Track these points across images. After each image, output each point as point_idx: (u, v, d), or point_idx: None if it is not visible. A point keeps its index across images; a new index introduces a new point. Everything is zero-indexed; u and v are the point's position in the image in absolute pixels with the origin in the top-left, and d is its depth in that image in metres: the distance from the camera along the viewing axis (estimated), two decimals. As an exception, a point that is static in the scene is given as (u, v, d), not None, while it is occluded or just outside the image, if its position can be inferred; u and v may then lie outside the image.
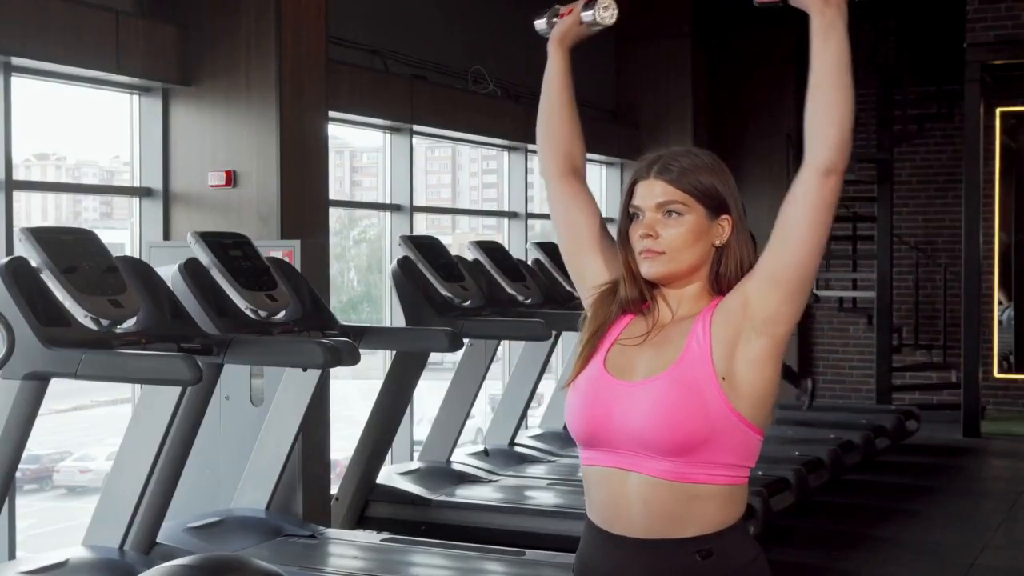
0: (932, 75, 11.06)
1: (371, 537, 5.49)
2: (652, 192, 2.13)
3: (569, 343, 7.63)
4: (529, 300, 6.86)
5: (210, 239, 4.97)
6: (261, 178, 5.99)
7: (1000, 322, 10.91)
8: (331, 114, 6.47)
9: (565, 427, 2.20)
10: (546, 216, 9.95)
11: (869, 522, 7.03)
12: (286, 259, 5.49)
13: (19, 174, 5.52)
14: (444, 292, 6.27)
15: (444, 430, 6.89)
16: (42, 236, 4.18)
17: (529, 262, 7.57)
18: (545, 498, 6.49)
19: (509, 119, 8.71)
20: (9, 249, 5.08)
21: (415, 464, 6.84)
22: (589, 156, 11.08)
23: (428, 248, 6.44)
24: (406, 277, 6.30)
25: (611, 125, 10.36)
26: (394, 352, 6.29)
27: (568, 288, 7.41)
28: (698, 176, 2.12)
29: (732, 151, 11.08)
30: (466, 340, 6.30)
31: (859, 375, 11.48)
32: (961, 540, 6.70)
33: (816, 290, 11.26)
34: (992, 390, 10.80)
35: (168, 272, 4.78)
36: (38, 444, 6.36)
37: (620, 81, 10.74)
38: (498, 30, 8.90)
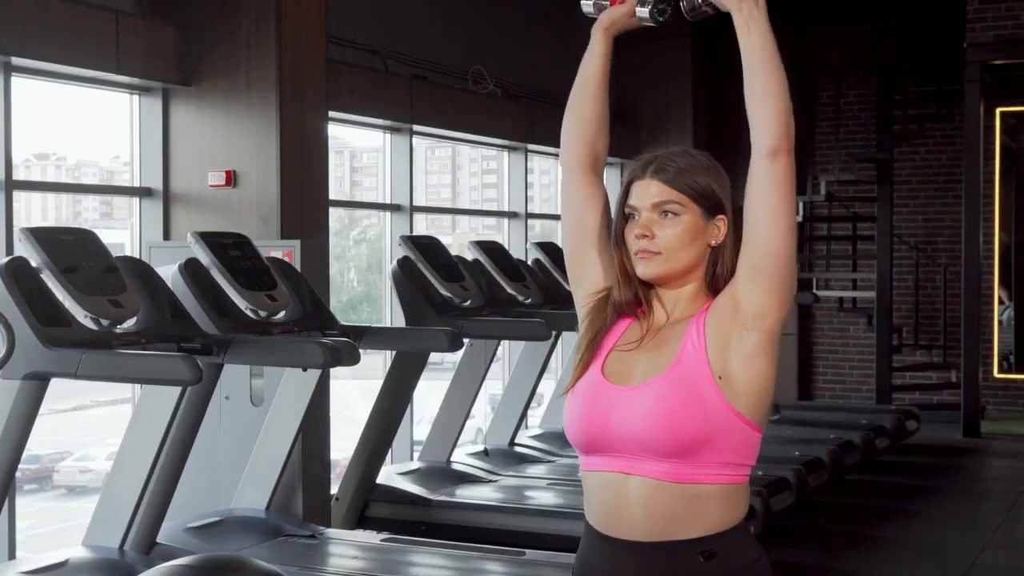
0: (932, 75, 11.06)
1: (371, 537, 5.49)
2: (648, 192, 2.13)
3: (569, 343, 7.63)
4: (529, 300, 6.86)
5: (210, 239, 4.97)
6: (261, 178, 5.99)
7: (1000, 322, 10.91)
8: (331, 114, 6.47)
9: (564, 427, 2.20)
10: (546, 216, 9.96)
11: (869, 522, 7.03)
12: (286, 259, 5.48)
13: (19, 174, 5.52)
14: (444, 292, 6.27)
15: (444, 430, 6.89)
16: (42, 236, 4.18)
17: (529, 262, 7.57)
18: (545, 498, 6.49)
19: (509, 119, 8.71)
20: (9, 249, 5.08)
21: (415, 464, 6.84)
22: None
23: (428, 248, 6.44)
24: (406, 277, 6.30)
25: (611, 125, 10.33)
26: (394, 352, 6.29)
27: (568, 288, 7.40)
28: (694, 176, 2.13)
29: (732, 151, 10.99)
30: (466, 340, 6.30)
31: (859, 375, 11.48)
32: (961, 540, 6.70)
33: (816, 290, 11.27)
34: (992, 390, 10.80)
35: (168, 272, 4.78)
36: (38, 444, 6.36)
37: (620, 81, 10.72)
38: (498, 30, 8.90)
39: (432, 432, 6.98)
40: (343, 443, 6.66)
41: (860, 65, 11.47)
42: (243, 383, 5.64)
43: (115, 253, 4.45)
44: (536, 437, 7.79)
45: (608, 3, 2.31)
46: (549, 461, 7.31)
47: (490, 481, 6.72)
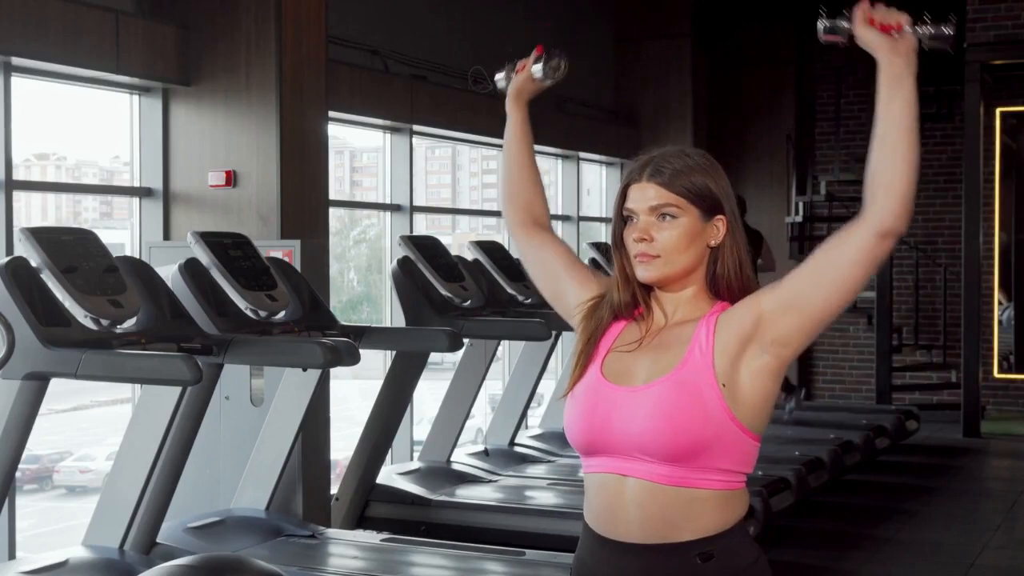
0: (932, 75, 11.05)
1: (371, 537, 5.48)
2: (645, 195, 2.13)
3: (569, 343, 7.62)
4: (529, 300, 6.86)
5: (210, 239, 4.97)
6: (261, 178, 5.99)
7: (1000, 322, 10.91)
8: (331, 114, 6.47)
9: (564, 430, 2.20)
10: (546, 216, 9.94)
11: (869, 522, 7.03)
12: (286, 259, 5.49)
13: (19, 174, 5.52)
14: (444, 292, 6.27)
15: (444, 430, 6.89)
16: (42, 236, 4.18)
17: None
18: (545, 498, 6.49)
19: (509, 119, 8.70)
20: (9, 249, 5.08)
21: (415, 464, 6.84)
22: (589, 156, 11.06)
23: (428, 248, 6.43)
24: (406, 277, 6.30)
25: (611, 125, 10.36)
26: (394, 352, 6.29)
27: (511, 291, 7.37)
28: (690, 177, 2.12)
29: (732, 151, 11.09)
30: (466, 340, 6.30)
31: (859, 375, 11.48)
32: (961, 540, 6.70)
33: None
34: (992, 390, 10.80)
35: (168, 272, 4.78)
36: (38, 444, 6.36)
37: (620, 81, 10.74)
38: (498, 30, 8.89)
39: (432, 432, 6.97)
40: (343, 443, 6.66)
41: (860, 65, 11.46)
42: (243, 383, 5.64)
43: (115, 253, 4.45)
44: (536, 437, 7.79)
45: (516, 71, 2.43)
46: (549, 461, 7.31)
47: (490, 481, 6.72)
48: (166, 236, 6.12)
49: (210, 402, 4.78)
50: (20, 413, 4.11)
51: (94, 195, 6.91)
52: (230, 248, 4.99)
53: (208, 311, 4.74)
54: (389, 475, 6.44)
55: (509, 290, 6.82)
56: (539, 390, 7.78)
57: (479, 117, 8.36)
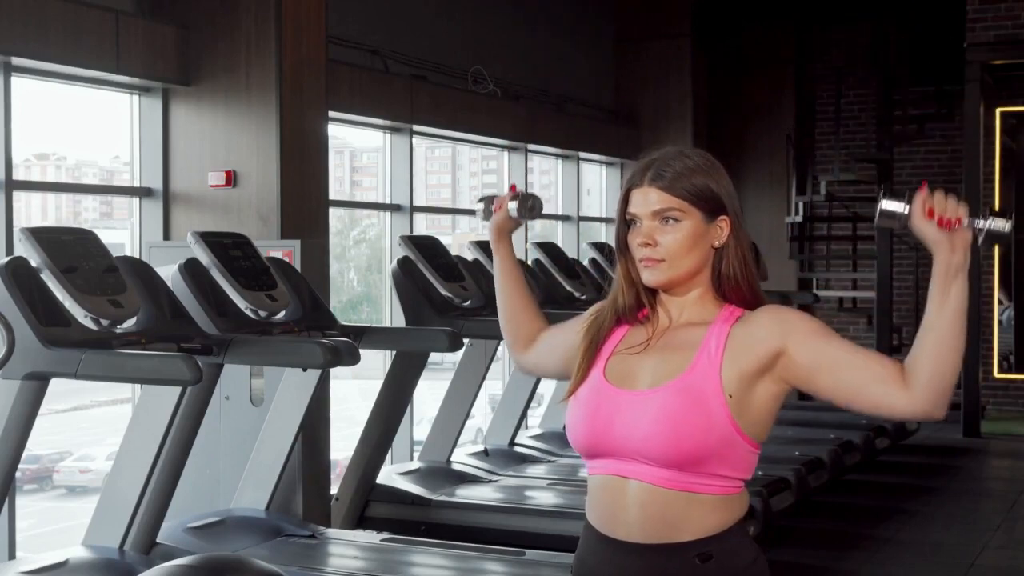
0: (932, 75, 11.06)
1: (371, 537, 5.48)
2: (647, 200, 2.12)
3: (569, 343, 7.62)
4: (529, 300, 6.85)
5: (210, 239, 4.97)
6: (261, 178, 5.99)
7: (1000, 322, 10.91)
8: (331, 114, 6.48)
9: (565, 427, 2.20)
10: (546, 216, 9.96)
11: (869, 522, 7.03)
12: (286, 259, 5.48)
13: (19, 174, 5.52)
14: (444, 292, 6.27)
15: (444, 430, 6.89)
16: (42, 236, 4.18)
17: (529, 262, 7.58)
18: (545, 498, 6.49)
19: (509, 119, 8.71)
20: (9, 249, 5.09)
21: (415, 464, 6.84)
22: (589, 156, 11.03)
23: (428, 248, 6.44)
24: (406, 277, 6.30)
25: (611, 125, 10.36)
26: (394, 352, 6.29)
27: (568, 288, 7.42)
28: (691, 180, 2.11)
29: (732, 151, 11.08)
30: (466, 340, 6.29)
31: (859, 375, 11.45)
32: (961, 540, 6.69)
33: (816, 290, 11.27)
34: (992, 390, 10.80)
35: (168, 272, 4.78)
36: (38, 444, 6.36)
37: (620, 81, 10.74)
38: (498, 30, 8.90)
39: (432, 432, 6.97)
40: (343, 443, 6.66)
41: (860, 65, 11.47)
42: (243, 383, 5.64)
43: (115, 253, 4.45)
44: (536, 437, 7.79)
45: (494, 210, 2.51)
46: (549, 461, 7.31)
47: (490, 481, 6.72)
48: (166, 236, 6.12)
49: (210, 402, 4.78)
50: (20, 413, 4.11)
51: (94, 195, 6.91)
52: (230, 248, 4.99)
53: (208, 311, 4.74)
54: (389, 475, 6.44)
55: (509, 290, 6.81)
56: (539, 390, 7.78)
57: (479, 117, 8.36)
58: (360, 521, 6.18)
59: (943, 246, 1.93)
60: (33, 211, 6.22)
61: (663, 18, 10.59)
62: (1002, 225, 1.93)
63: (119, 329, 4.22)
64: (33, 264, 4.12)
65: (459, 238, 8.87)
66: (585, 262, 8.15)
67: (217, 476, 5.62)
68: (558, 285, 7.36)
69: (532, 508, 6.25)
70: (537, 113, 9.03)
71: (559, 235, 9.82)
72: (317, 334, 5.10)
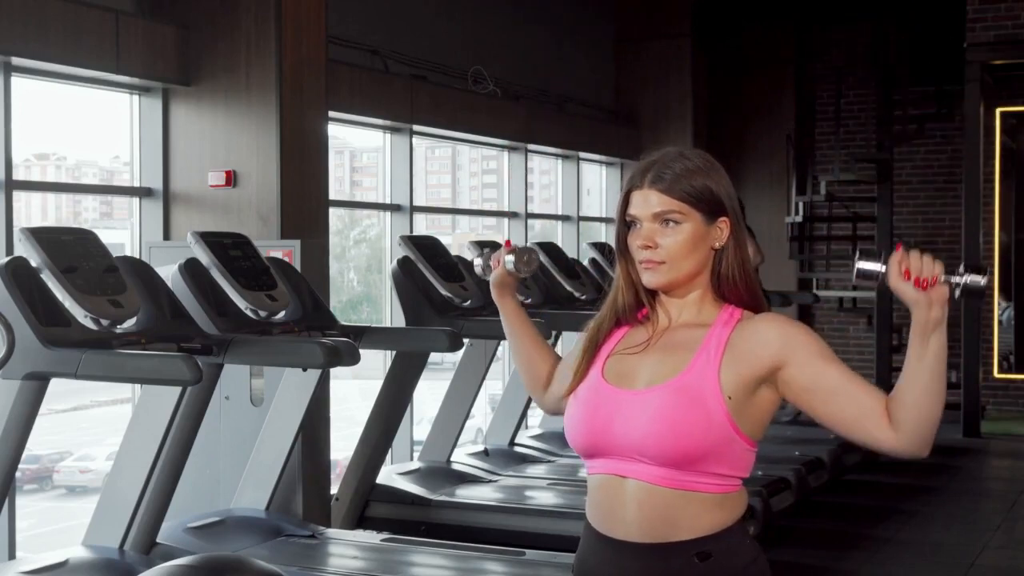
0: (932, 75, 11.05)
1: (371, 537, 5.48)
2: (648, 202, 2.12)
3: (569, 343, 7.63)
4: (529, 300, 6.86)
5: (210, 239, 4.97)
6: (261, 178, 5.99)
7: (1000, 322, 10.91)
8: (331, 114, 6.47)
9: (565, 432, 2.21)
10: (546, 216, 9.96)
11: (869, 522, 7.03)
12: (286, 259, 5.48)
13: (19, 174, 5.52)
14: (444, 292, 6.27)
15: (444, 430, 6.89)
16: (42, 236, 4.18)
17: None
18: (545, 498, 6.49)
19: (509, 119, 8.71)
20: (9, 249, 5.08)
21: (415, 464, 6.84)
22: (589, 156, 11.04)
23: (428, 248, 6.44)
24: (406, 277, 6.30)
25: (611, 125, 10.36)
26: (394, 352, 6.29)
27: (568, 288, 7.42)
28: (691, 181, 2.11)
29: (732, 151, 11.09)
30: (466, 340, 6.30)
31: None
32: (961, 540, 6.70)
33: (816, 290, 11.27)
34: (992, 390, 10.80)
35: (168, 272, 4.78)
36: (38, 444, 6.36)
37: (620, 81, 10.74)
38: (498, 30, 8.90)
39: (432, 432, 6.98)
40: (343, 443, 6.66)
41: (860, 65, 11.47)
42: (243, 383, 5.64)
43: (115, 253, 4.45)
44: (536, 437, 7.79)
45: (493, 266, 2.54)
46: (549, 461, 7.31)
47: (490, 481, 6.72)
48: (166, 236, 6.12)
49: (210, 402, 4.78)
50: (20, 413, 4.11)
51: (94, 195, 6.91)
52: (230, 248, 4.99)
53: (208, 311, 4.74)
54: (389, 475, 6.44)
55: (509, 290, 6.81)
56: (539, 390, 7.76)
57: (479, 117, 8.36)
58: (360, 521, 6.18)
59: (921, 305, 1.97)
60: (33, 211, 6.22)
61: (663, 18, 10.59)
62: (978, 280, 1.97)
63: (119, 329, 4.22)
64: (33, 264, 4.12)
65: (459, 238, 8.87)
66: (585, 262, 8.15)
67: (217, 476, 5.62)
68: (558, 285, 7.36)
69: (532, 508, 6.25)
70: (537, 113, 9.03)
71: (559, 235, 9.82)
72: (317, 334, 5.10)
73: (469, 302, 6.36)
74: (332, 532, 5.53)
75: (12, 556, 5.02)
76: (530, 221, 9.37)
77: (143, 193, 6.17)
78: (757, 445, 2.10)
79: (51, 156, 6.54)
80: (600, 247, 8.33)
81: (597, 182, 10.70)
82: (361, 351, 4.85)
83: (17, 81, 5.36)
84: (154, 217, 6.15)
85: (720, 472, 2.05)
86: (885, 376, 10.83)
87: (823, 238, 11.68)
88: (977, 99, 9.84)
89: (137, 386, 5.21)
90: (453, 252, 6.66)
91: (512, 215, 9.24)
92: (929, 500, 7.75)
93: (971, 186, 9.92)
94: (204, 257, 4.89)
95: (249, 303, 4.86)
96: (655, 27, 10.61)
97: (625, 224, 2.17)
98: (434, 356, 6.81)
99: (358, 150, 8.77)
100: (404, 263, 6.32)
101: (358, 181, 9.19)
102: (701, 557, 2.05)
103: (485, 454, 7.18)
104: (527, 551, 5.23)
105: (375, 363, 6.97)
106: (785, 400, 2.09)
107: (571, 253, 8.64)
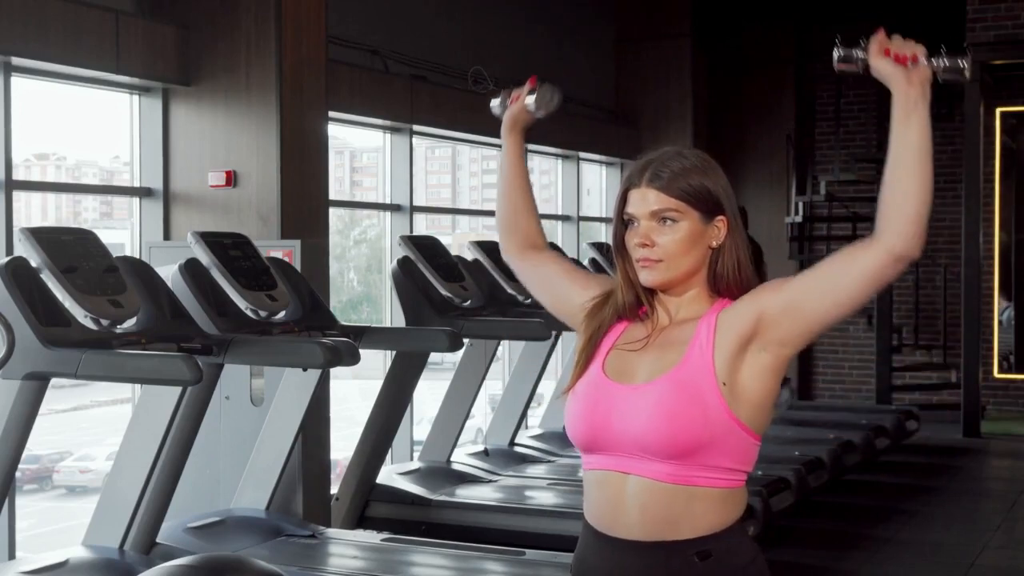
0: (932, 75, 11.04)
1: (371, 537, 5.48)
2: (645, 200, 2.13)
3: (569, 343, 7.64)
4: (529, 300, 6.85)
5: (210, 239, 4.97)
6: (261, 178, 5.99)
7: (1000, 322, 10.91)
8: (331, 114, 6.47)
9: (565, 427, 2.21)
10: (546, 216, 9.96)
11: (869, 522, 7.03)
12: (286, 259, 5.48)
13: (19, 174, 5.52)
14: (444, 292, 6.27)
15: (444, 430, 6.89)
16: (42, 236, 4.18)
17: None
18: (545, 498, 6.49)
19: (509, 119, 8.70)
20: (9, 249, 5.08)
21: (415, 464, 6.84)
22: (589, 156, 11.02)
23: (428, 248, 6.44)
24: (406, 277, 6.30)
25: (611, 125, 10.36)
26: (394, 352, 6.29)
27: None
28: (688, 180, 2.12)
29: (732, 151, 11.09)
30: (466, 340, 6.30)
31: (859, 375, 11.47)
32: (961, 540, 6.70)
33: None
34: (992, 390, 10.80)
35: (168, 272, 4.78)
36: (38, 444, 6.37)
37: (620, 81, 10.74)
38: (498, 30, 8.90)
39: (432, 432, 6.98)
40: (343, 443, 6.66)
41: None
42: (243, 383, 5.64)
43: (115, 253, 4.45)
44: (536, 437, 7.79)
45: (509, 103, 2.47)
46: (549, 461, 7.31)
47: (490, 481, 6.72)
48: (166, 236, 6.12)
49: (210, 402, 4.78)
50: (20, 413, 4.11)
51: (94, 195, 6.91)
52: (230, 248, 4.99)
53: (208, 311, 4.74)
54: (389, 475, 6.44)
55: (509, 290, 6.82)
56: (539, 390, 7.78)
57: (479, 117, 8.29)
58: (360, 521, 6.18)
59: (899, 79, 1.96)
60: (33, 211, 6.22)
61: (663, 18, 10.59)
62: (957, 61, 1.97)
63: (119, 329, 4.22)
64: (33, 264, 4.11)
65: (459, 238, 8.87)
66: (585, 262, 8.15)
67: (217, 476, 5.62)
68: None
69: (532, 508, 6.25)
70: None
71: (559, 235, 9.82)
72: (317, 334, 5.10)
73: (469, 302, 6.36)
74: (332, 532, 5.54)
75: (12, 556, 5.02)
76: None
77: (143, 193, 6.17)
78: (760, 438, 2.09)
79: (51, 156, 6.54)
80: (600, 247, 8.33)
81: (597, 182, 10.70)
82: (361, 351, 4.85)
83: (17, 81, 5.36)
84: (154, 217, 6.15)
85: (723, 465, 2.05)
86: (885, 376, 10.83)
87: (823, 238, 11.68)
88: (977, 99, 9.84)
89: (137, 386, 5.21)
90: (453, 252, 6.66)
91: (512, 215, 9.22)
92: (929, 500, 7.75)
93: (971, 186, 9.92)
94: (204, 257, 4.89)
95: (249, 303, 4.86)
96: (655, 27, 10.61)
97: (623, 222, 2.17)
98: (434, 356, 6.81)
99: (358, 150, 8.77)
100: (404, 263, 6.32)
101: (358, 181, 9.20)
102: (701, 556, 2.06)
103: (485, 454, 7.18)
104: (527, 551, 5.23)
105: (375, 363, 6.97)
106: (787, 352, 2.06)
107: (571, 253, 8.64)
